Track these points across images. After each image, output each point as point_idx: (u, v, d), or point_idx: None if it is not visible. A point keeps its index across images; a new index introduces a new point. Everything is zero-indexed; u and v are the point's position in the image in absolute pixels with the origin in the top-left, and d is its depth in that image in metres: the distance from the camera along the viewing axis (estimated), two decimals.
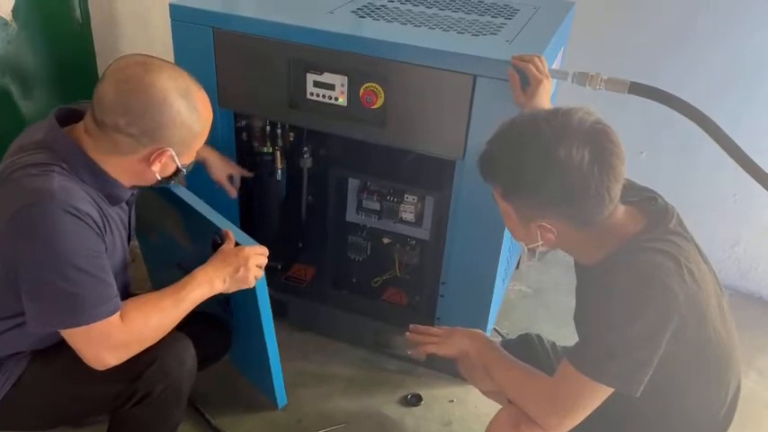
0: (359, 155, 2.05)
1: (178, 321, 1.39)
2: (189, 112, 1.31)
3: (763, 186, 1.71)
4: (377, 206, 2.07)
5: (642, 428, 1.37)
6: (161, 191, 1.65)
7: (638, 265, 1.18)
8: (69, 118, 1.36)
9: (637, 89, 1.66)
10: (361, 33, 1.76)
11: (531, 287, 2.51)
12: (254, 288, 1.53)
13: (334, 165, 2.07)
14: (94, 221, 1.29)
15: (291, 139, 2.11)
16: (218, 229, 1.57)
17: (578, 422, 1.24)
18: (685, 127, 1.72)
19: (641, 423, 1.36)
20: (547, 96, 1.54)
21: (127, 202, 1.45)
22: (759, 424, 2.07)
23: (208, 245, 1.55)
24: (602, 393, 1.21)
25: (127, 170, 1.34)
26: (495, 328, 2.27)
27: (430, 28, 1.81)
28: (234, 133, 2.03)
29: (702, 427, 1.36)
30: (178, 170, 1.39)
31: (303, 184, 2.21)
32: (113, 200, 1.37)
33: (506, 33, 1.80)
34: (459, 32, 1.79)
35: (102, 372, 1.31)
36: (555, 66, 1.92)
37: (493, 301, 1.97)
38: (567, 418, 1.24)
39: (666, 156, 2.53)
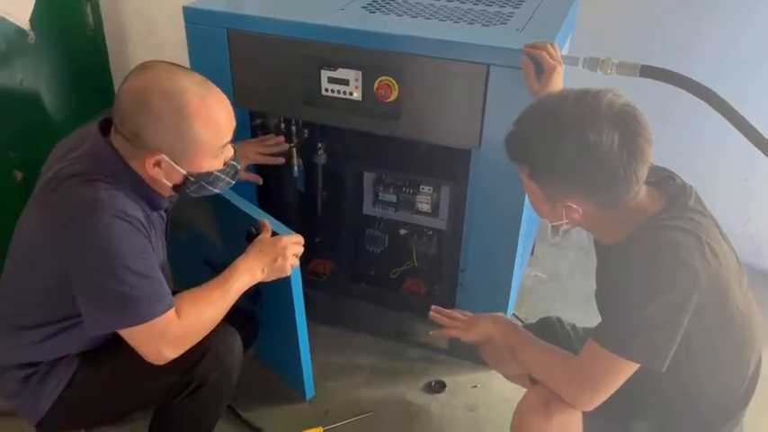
0: (373, 148, 2.08)
1: (226, 311, 1.43)
2: (173, 115, 1.28)
3: None
4: (393, 198, 2.09)
5: (663, 406, 1.40)
6: None
7: (658, 243, 1.21)
8: (109, 125, 1.38)
9: (648, 72, 1.68)
10: (372, 28, 1.79)
11: (547, 272, 2.54)
12: (288, 277, 1.57)
13: (349, 159, 2.10)
14: (141, 224, 1.33)
15: (306, 135, 2.14)
16: (254, 219, 1.60)
17: (606, 398, 1.28)
18: (693, 108, 1.74)
19: (662, 401, 1.39)
20: (560, 82, 1.56)
21: (165, 210, 1.48)
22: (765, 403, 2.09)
23: (242, 237, 1.58)
24: (628, 369, 1.24)
25: (147, 178, 1.36)
26: (514, 314, 2.30)
27: (440, 20, 1.84)
28: (250, 132, 2.06)
29: (722, 402, 1.39)
30: (187, 179, 1.36)
31: (318, 180, 2.24)
32: (154, 205, 1.40)
33: (516, 22, 1.83)
34: (469, 23, 1.81)
35: (155, 367, 1.35)
36: (564, 53, 1.94)
37: (512, 288, 2.00)
38: (596, 395, 1.27)
39: (675, 138, 2.54)
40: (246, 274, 1.48)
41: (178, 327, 1.33)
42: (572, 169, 1.21)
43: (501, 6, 1.97)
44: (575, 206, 1.26)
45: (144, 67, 1.32)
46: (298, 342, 1.79)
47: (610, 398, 1.30)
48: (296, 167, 2.13)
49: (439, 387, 2.03)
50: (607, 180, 1.20)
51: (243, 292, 1.48)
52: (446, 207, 2.05)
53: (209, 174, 1.39)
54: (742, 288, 1.31)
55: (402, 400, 2.00)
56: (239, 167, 1.48)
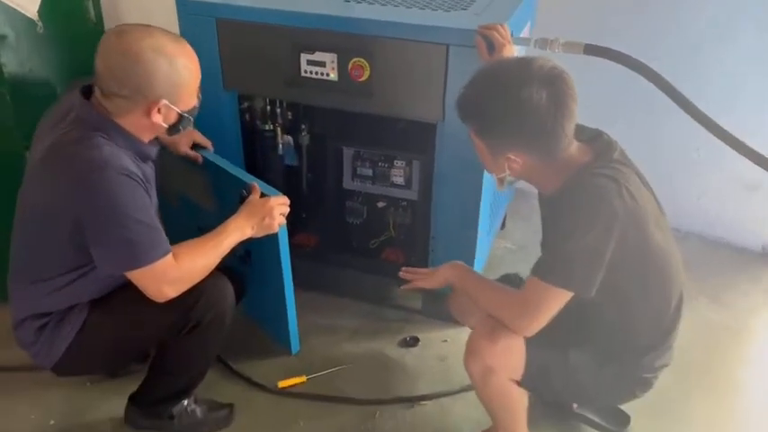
0: (351, 126, 2.28)
1: (218, 261, 1.63)
2: (166, 64, 1.48)
3: (711, 131, 1.93)
4: (370, 172, 2.29)
5: (598, 335, 1.60)
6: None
7: (584, 187, 1.42)
8: (90, 91, 1.56)
9: (591, 50, 1.88)
10: (346, 14, 1.99)
11: (516, 244, 2.74)
12: (276, 238, 1.78)
13: (330, 137, 2.30)
14: (141, 179, 1.52)
15: (290, 117, 2.34)
16: (245, 183, 1.81)
17: (544, 324, 1.47)
18: (649, 88, 1.93)
19: (603, 325, 1.59)
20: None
21: (153, 161, 1.67)
22: (724, 349, 2.30)
23: (236, 200, 1.78)
24: (562, 297, 1.44)
25: (140, 127, 1.54)
26: None
27: (407, 7, 2.04)
28: (238, 114, 2.26)
29: (650, 331, 1.59)
30: (181, 116, 1.57)
31: (303, 159, 2.43)
32: (144, 157, 1.59)
33: (476, 8, 2.03)
34: (433, 9, 2.02)
35: (157, 309, 1.55)
36: (523, 36, 2.14)
37: (478, 252, 2.19)
38: (534, 321, 1.47)
39: (633, 116, 2.75)
40: (237, 230, 1.67)
41: (175, 269, 1.53)
42: (509, 124, 1.41)
43: None
44: (514, 157, 1.45)
45: (119, 32, 1.49)
46: (284, 298, 1.98)
47: (551, 329, 1.50)
48: (281, 145, 2.33)
49: (413, 342, 2.23)
50: (538, 133, 1.40)
51: (234, 246, 1.67)
52: (417, 179, 2.25)
53: (194, 108, 1.60)
54: (660, 228, 1.51)
55: (380, 353, 2.20)
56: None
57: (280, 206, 1.76)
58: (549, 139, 1.41)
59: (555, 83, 1.38)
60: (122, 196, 1.46)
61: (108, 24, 2.40)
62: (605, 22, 2.57)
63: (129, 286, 1.57)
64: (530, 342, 1.53)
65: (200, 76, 1.60)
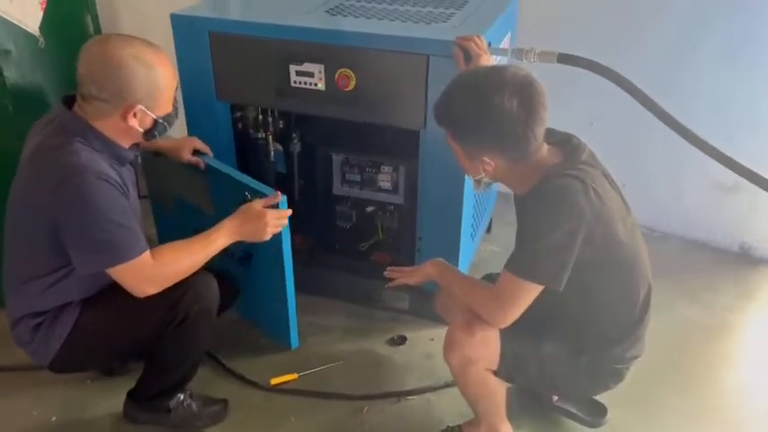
0: (340, 134, 2.37)
1: (204, 261, 1.72)
2: (145, 70, 1.56)
3: (687, 139, 2.02)
4: (358, 178, 2.39)
5: (575, 322, 1.68)
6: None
7: (554, 188, 1.51)
8: (73, 100, 1.66)
9: (564, 59, 1.98)
10: (333, 27, 2.09)
11: (501, 246, 2.83)
12: (279, 240, 1.90)
13: (319, 144, 2.39)
14: (118, 183, 1.61)
15: (281, 125, 2.44)
16: (249, 187, 1.92)
17: (517, 315, 1.56)
18: (628, 95, 2.03)
19: (574, 318, 1.68)
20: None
21: (131, 164, 1.75)
22: (700, 348, 2.38)
23: (237, 203, 1.87)
24: (533, 291, 1.53)
25: (118, 131, 1.63)
26: None
27: (391, 20, 2.14)
28: (231, 123, 2.36)
29: (621, 319, 1.67)
30: (156, 122, 1.64)
31: (294, 166, 2.53)
32: (122, 160, 1.68)
33: (455, 20, 2.14)
34: (414, 22, 2.12)
35: (146, 304, 1.64)
36: (503, 46, 2.25)
37: (462, 253, 2.28)
38: (508, 314, 1.57)
39: (614, 123, 2.84)
40: (226, 236, 1.77)
41: (154, 267, 1.62)
42: (482, 130, 1.50)
43: (445, 8, 2.28)
44: (488, 160, 1.54)
45: (101, 40, 1.61)
46: (286, 294, 2.09)
47: (525, 321, 1.59)
48: (272, 152, 2.43)
49: (401, 340, 2.32)
50: (510, 138, 1.49)
51: (222, 248, 1.76)
52: (403, 184, 2.34)
53: (168, 114, 1.68)
54: (626, 225, 1.59)
55: (369, 351, 2.29)
56: (177, 107, 1.75)
57: (276, 220, 1.84)
58: (520, 143, 1.50)
59: (526, 90, 1.47)
60: (99, 199, 1.54)
61: None
62: (585, 33, 2.66)
63: (118, 284, 1.66)
64: (505, 333, 1.62)
65: (175, 85, 1.68)
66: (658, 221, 2.97)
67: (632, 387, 2.10)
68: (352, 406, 2.07)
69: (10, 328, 1.76)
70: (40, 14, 2.12)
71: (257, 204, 1.84)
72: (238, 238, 1.80)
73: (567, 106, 2.89)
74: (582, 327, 1.68)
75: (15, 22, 2.08)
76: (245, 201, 1.89)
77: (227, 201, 1.96)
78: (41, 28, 2.14)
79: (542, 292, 1.55)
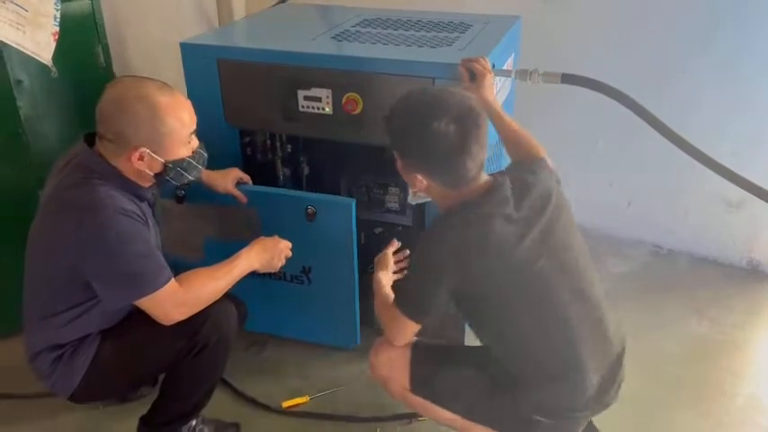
0: (348, 157, 2.40)
1: (227, 288, 1.73)
2: (149, 114, 1.56)
3: (692, 156, 2.04)
4: (366, 199, 2.41)
5: (505, 371, 1.61)
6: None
7: (434, 229, 1.56)
8: (94, 139, 1.67)
9: (568, 79, 2.01)
10: (340, 53, 2.13)
11: None
12: (349, 247, 2.05)
13: (327, 167, 2.42)
14: (138, 216, 1.63)
15: (289, 149, 2.47)
16: (311, 200, 2.02)
17: (406, 339, 1.65)
18: (632, 114, 2.05)
19: (504, 369, 1.61)
20: (491, 87, 1.89)
21: (149, 203, 1.76)
22: (711, 364, 2.38)
23: (300, 218, 2.05)
24: (406, 322, 1.59)
25: (131, 171, 1.64)
26: None
27: (396, 45, 2.18)
28: (240, 148, 2.39)
29: (533, 362, 1.58)
30: (166, 166, 1.63)
31: (302, 188, 2.55)
32: (140, 197, 1.69)
33: (459, 44, 2.18)
34: (419, 46, 2.16)
35: (165, 333, 1.65)
36: (506, 68, 2.28)
37: None
38: (398, 337, 1.66)
39: (619, 141, 2.88)
40: (246, 263, 1.78)
41: (180, 294, 1.63)
42: (415, 150, 1.52)
43: (449, 33, 2.32)
44: (420, 178, 1.55)
45: (116, 81, 1.65)
46: (355, 293, 2.19)
47: (446, 347, 1.73)
48: (281, 177, 2.46)
49: None
50: (440, 164, 1.50)
51: (240, 278, 1.77)
52: (411, 205, 2.36)
53: (183, 160, 1.66)
54: (532, 257, 1.51)
55: None
56: (205, 155, 1.76)
57: (286, 249, 1.89)
58: (450, 170, 1.51)
59: (465, 122, 1.46)
60: (120, 233, 1.56)
61: (116, 68, 2.55)
62: (588, 52, 2.71)
63: (136, 314, 1.67)
64: (416, 356, 1.67)
65: (190, 128, 1.67)
66: (665, 239, 2.98)
67: (643, 403, 2.11)
68: (363, 428, 2.07)
69: (29, 361, 1.76)
70: (53, 45, 2.16)
71: (268, 239, 1.88)
72: (256, 267, 1.82)
73: (573, 125, 2.95)
74: (500, 363, 1.63)
75: (29, 53, 2.12)
76: (306, 214, 2.01)
77: (284, 221, 2.02)
78: (54, 58, 2.18)
79: (469, 323, 1.64)
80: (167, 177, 1.68)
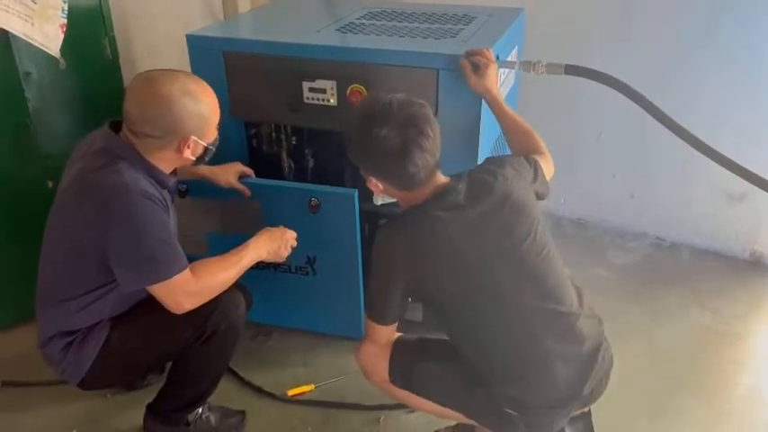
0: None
1: (236, 278, 1.76)
2: (194, 104, 1.63)
3: (695, 148, 2.05)
4: (369, 191, 2.41)
5: (474, 368, 1.63)
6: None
7: (383, 235, 1.59)
8: (118, 126, 1.72)
9: (572, 70, 2.02)
10: (344, 44, 2.15)
11: None
12: (353, 237, 2.08)
13: (332, 159, 2.43)
14: (160, 201, 1.65)
15: (294, 141, 2.48)
16: (314, 192, 2.05)
17: (386, 338, 1.70)
18: (634, 105, 2.06)
19: (473, 366, 1.63)
20: (494, 78, 1.91)
21: (169, 190, 1.79)
22: (713, 354, 2.40)
23: (303, 210, 2.08)
24: (375, 327, 1.66)
25: (168, 160, 1.70)
26: None
27: (400, 37, 2.20)
28: (246, 140, 2.41)
29: (519, 351, 1.58)
30: (206, 149, 1.73)
31: (307, 181, 2.56)
32: (163, 185, 1.72)
33: (463, 36, 2.19)
34: (423, 38, 2.17)
35: (175, 321, 1.67)
36: (510, 59, 2.29)
37: None
38: (374, 341, 1.71)
39: (622, 133, 2.89)
40: (254, 252, 1.81)
41: (193, 284, 1.65)
42: (365, 154, 1.56)
43: (453, 24, 2.33)
44: (375, 181, 1.59)
45: (146, 79, 1.64)
46: (359, 283, 2.20)
47: (423, 342, 1.74)
48: (286, 168, 2.48)
49: None
50: (385, 168, 1.54)
51: (247, 268, 1.79)
52: None
53: (216, 140, 1.75)
54: (494, 267, 1.54)
55: None
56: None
57: (292, 239, 1.92)
58: (394, 175, 1.54)
59: (408, 129, 1.49)
60: (142, 217, 1.59)
61: (123, 60, 2.58)
62: (591, 44, 2.72)
63: (146, 301, 1.71)
64: (396, 349, 1.70)
65: (219, 111, 1.74)
66: (668, 231, 3.00)
67: (645, 393, 2.13)
68: (368, 416, 2.10)
69: (39, 347, 1.79)
70: (61, 37, 2.18)
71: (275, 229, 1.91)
72: (263, 257, 1.84)
73: (575, 118, 2.97)
74: (469, 358, 1.64)
75: (37, 45, 2.14)
76: (309, 206, 2.03)
77: (288, 213, 2.04)
78: (62, 50, 2.20)
79: (435, 320, 1.67)
80: (205, 158, 1.75)
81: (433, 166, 1.55)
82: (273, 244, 1.86)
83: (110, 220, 1.58)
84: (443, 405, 1.71)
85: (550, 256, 1.61)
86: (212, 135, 1.73)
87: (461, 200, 1.55)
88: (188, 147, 1.67)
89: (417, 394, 1.72)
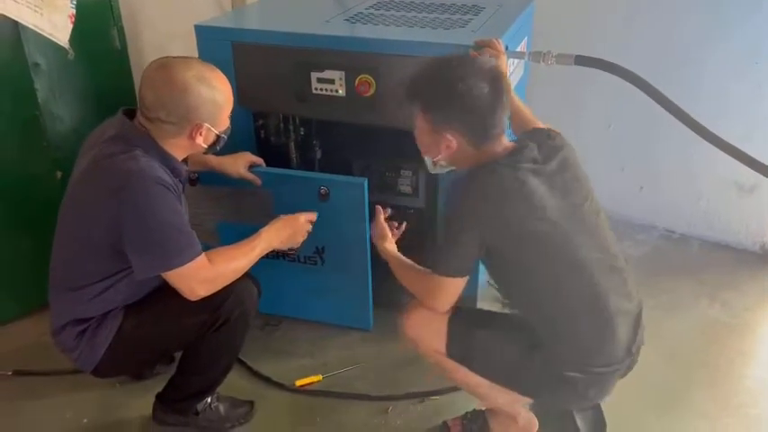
0: (360, 140, 2.42)
1: (250, 266, 1.77)
2: (209, 91, 1.64)
3: (706, 139, 2.03)
4: (378, 182, 2.43)
5: (537, 333, 1.64)
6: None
7: (462, 186, 1.57)
8: (132, 114, 1.72)
9: (581, 60, 2.01)
10: (353, 34, 2.14)
11: None
12: (363, 228, 2.09)
13: (340, 150, 2.44)
14: (173, 188, 1.66)
15: (302, 132, 2.49)
16: (323, 180, 2.06)
17: (448, 304, 1.65)
18: (644, 97, 2.04)
19: (536, 330, 1.64)
20: (504, 69, 1.89)
21: (181, 179, 1.78)
22: (722, 346, 2.38)
23: (313, 199, 2.09)
24: (449, 283, 1.60)
25: (181, 147, 1.71)
26: (488, 281, 2.60)
27: (409, 27, 2.19)
28: (254, 131, 2.41)
29: (563, 320, 1.61)
30: (218, 137, 1.73)
31: (315, 171, 2.57)
32: (176, 173, 1.72)
33: (472, 26, 2.18)
34: (433, 28, 2.16)
35: (189, 307, 1.68)
36: (519, 50, 2.28)
37: None
38: (438, 303, 1.65)
39: (631, 125, 2.87)
40: (267, 241, 1.82)
41: (208, 270, 1.66)
42: (454, 103, 1.54)
43: (462, 15, 2.32)
44: (450, 137, 1.57)
45: (162, 65, 1.64)
46: (368, 274, 2.23)
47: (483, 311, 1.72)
48: (294, 159, 2.48)
49: None
50: (477, 116, 1.54)
51: (260, 256, 1.80)
52: (423, 188, 2.38)
53: (228, 128, 1.75)
54: (559, 217, 1.56)
55: (391, 353, 2.31)
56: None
57: (307, 224, 1.93)
58: (483, 125, 1.55)
59: (496, 79, 1.55)
60: (158, 204, 1.59)
61: (131, 50, 2.58)
62: (601, 35, 2.70)
63: (160, 289, 1.71)
64: (454, 317, 1.68)
65: (232, 100, 1.74)
66: (677, 223, 2.98)
67: (653, 385, 2.12)
68: (376, 406, 2.10)
69: (53, 335, 1.79)
70: (69, 27, 2.18)
71: (290, 216, 1.92)
72: (276, 245, 1.85)
73: (585, 108, 2.95)
74: (529, 322, 1.66)
75: (46, 35, 2.14)
76: (319, 195, 2.06)
77: (298, 202, 2.03)
78: (71, 41, 2.20)
79: (495, 282, 1.67)
80: (217, 146, 1.75)
81: (506, 125, 1.59)
82: (286, 231, 1.87)
83: (125, 207, 1.58)
84: (498, 379, 1.71)
85: (603, 218, 1.68)
86: (225, 123, 1.73)
87: (538, 156, 1.59)
88: (200, 134, 1.67)
89: (471, 366, 1.71)
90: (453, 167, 1.68)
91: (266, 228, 1.84)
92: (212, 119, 1.68)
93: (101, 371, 1.81)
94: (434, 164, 1.67)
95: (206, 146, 1.73)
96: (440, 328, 1.68)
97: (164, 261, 1.62)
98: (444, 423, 2.00)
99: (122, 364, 1.85)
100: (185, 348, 1.87)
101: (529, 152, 1.59)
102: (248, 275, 1.84)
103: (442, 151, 1.61)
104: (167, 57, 1.68)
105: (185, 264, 1.61)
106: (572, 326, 1.60)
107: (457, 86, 1.52)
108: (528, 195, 1.53)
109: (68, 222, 1.74)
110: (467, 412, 1.98)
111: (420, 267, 1.72)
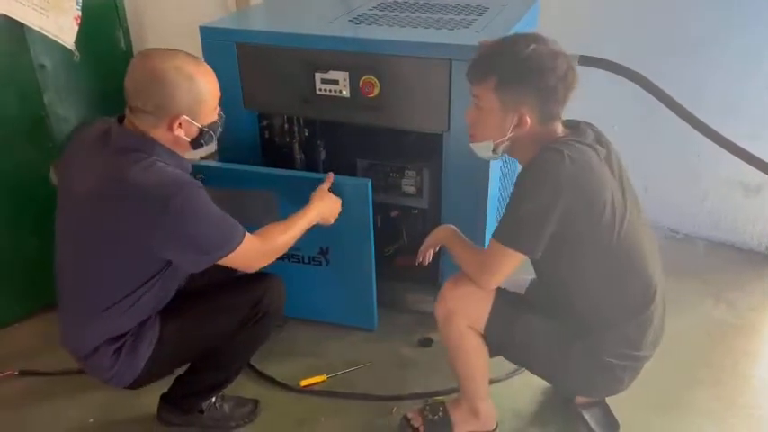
0: (364, 140, 2.42)
1: (296, 239, 1.83)
2: (187, 82, 1.59)
3: (708, 137, 2.04)
4: (382, 183, 2.43)
5: (569, 305, 1.70)
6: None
7: (540, 159, 1.57)
8: (121, 119, 1.68)
9: (586, 61, 2.02)
10: (357, 35, 2.14)
11: None
12: (365, 227, 2.12)
13: (344, 151, 2.44)
14: (197, 184, 1.64)
15: (307, 133, 2.49)
16: (321, 179, 2.06)
17: (501, 279, 1.66)
18: (649, 97, 2.04)
19: (568, 300, 1.71)
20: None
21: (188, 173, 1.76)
22: (727, 346, 2.38)
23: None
24: (512, 256, 1.60)
25: (168, 141, 1.65)
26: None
27: (413, 27, 2.19)
28: (258, 131, 2.41)
29: (612, 309, 1.67)
30: (202, 131, 1.66)
31: (319, 172, 2.57)
32: (183, 168, 1.69)
33: (477, 26, 2.18)
34: (437, 29, 2.17)
35: (227, 304, 1.80)
36: None
37: None
38: (492, 277, 1.65)
39: (636, 125, 2.86)
40: (306, 217, 1.88)
41: (260, 245, 1.73)
42: (532, 77, 1.55)
43: (466, 15, 2.33)
44: (523, 112, 1.57)
45: (144, 55, 1.64)
46: (371, 274, 2.25)
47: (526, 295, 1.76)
48: (298, 160, 2.48)
49: (427, 342, 2.34)
50: (552, 92, 1.56)
51: (306, 230, 1.86)
52: (427, 188, 2.38)
53: (214, 123, 1.70)
54: (618, 214, 1.60)
55: (396, 353, 2.32)
56: (223, 116, 1.76)
57: (338, 205, 2.02)
58: (557, 99, 1.58)
59: (568, 61, 1.59)
60: (201, 202, 1.59)
61: (136, 52, 2.58)
62: (606, 36, 2.70)
63: (186, 290, 1.76)
64: (501, 297, 1.69)
65: (218, 95, 1.71)
66: (682, 223, 2.97)
67: (658, 384, 2.12)
68: (380, 407, 2.10)
69: (83, 359, 1.74)
70: (75, 29, 2.20)
71: (325, 187, 2.00)
72: (318, 220, 1.92)
73: (589, 108, 2.92)
74: (575, 309, 1.69)
75: (52, 37, 2.16)
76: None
77: (302, 202, 1.99)
78: (77, 42, 2.21)
79: (543, 270, 1.68)
80: (202, 141, 1.72)
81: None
82: (326, 207, 1.96)
83: (177, 216, 1.55)
84: (532, 363, 1.77)
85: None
86: (209, 118, 1.69)
87: (594, 139, 1.63)
88: (179, 126, 1.62)
89: (506, 349, 1.75)
90: (508, 154, 1.69)
91: (316, 200, 1.93)
92: (192, 111, 1.63)
93: (138, 382, 1.77)
94: (496, 147, 1.66)
95: (189, 139, 1.67)
96: (484, 303, 1.69)
97: (218, 252, 1.63)
98: (404, 416, 2.00)
99: (160, 371, 1.82)
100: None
101: (589, 134, 1.64)
102: (274, 273, 1.89)
103: (511, 130, 1.61)
104: (153, 48, 1.67)
105: (238, 246, 1.64)
106: (622, 312, 1.66)
107: (533, 61, 1.55)
108: (603, 170, 1.58)
109: (85, 243, 1.66)
110: (425, 404, 2.00)
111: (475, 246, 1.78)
